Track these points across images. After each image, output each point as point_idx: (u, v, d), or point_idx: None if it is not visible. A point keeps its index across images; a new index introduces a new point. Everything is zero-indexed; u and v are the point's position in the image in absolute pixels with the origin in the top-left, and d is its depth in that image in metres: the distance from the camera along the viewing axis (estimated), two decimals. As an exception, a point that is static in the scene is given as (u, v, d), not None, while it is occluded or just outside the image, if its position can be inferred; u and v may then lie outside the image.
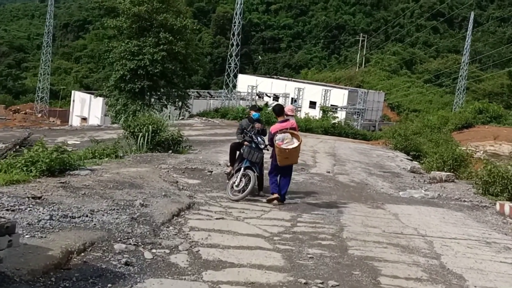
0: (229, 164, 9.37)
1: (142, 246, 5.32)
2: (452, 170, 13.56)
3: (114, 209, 6.37)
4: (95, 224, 5.68)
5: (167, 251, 5.30)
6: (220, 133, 22.10)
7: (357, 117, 53.63)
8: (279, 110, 8.72)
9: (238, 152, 8.99)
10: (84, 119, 52.02)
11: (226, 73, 53.09)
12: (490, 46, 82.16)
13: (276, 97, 54.25)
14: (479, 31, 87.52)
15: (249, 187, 8.33)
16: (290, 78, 71.10)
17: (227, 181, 9.04)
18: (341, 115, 48.98)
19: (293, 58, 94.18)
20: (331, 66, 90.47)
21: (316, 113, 46.95)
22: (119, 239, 5.38)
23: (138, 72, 25.63)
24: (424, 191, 11.17)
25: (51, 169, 7.56)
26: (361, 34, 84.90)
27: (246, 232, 6.39)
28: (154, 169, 9.88)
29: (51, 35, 67.20)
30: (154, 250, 5.25)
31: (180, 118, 31.62)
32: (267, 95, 53.98)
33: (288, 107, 9.31)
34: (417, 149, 19.97)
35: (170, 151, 12.44)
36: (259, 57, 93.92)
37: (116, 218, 6.02)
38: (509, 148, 23.71)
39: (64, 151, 8.07)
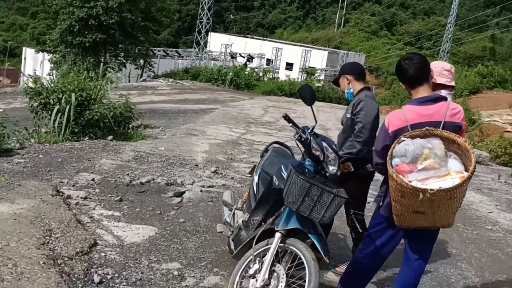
0: (240, 207, 4.05)
1: None
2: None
3: None
4: None
5: None
6: (191, 99, 17.89)
7: (337, 81, 50.21)
8: (424, 68, 3.03)
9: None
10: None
11: (197, 29, 48.29)
12: (466, 9, 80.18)
13: (250, 58, 50.07)
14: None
15: None
16: (265, 38, 66.79)
17: (237, 252, 3.43)
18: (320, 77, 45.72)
19: (267, 17, 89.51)
20: (307, 26, 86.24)
21: (294, 76, 43.52)
22: None
23: (89, 23, 21.07)
24: None
25: None
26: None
27: None
28: (49, 198, 4.36)
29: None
30: None
31: (142, 79, 27.29)
32: (241, 55, 49.65)
33: (443, 65, 3.82)
34: None
35: (111, 137, 7.97)
36: (231, 15, 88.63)
37: None
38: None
39: None
